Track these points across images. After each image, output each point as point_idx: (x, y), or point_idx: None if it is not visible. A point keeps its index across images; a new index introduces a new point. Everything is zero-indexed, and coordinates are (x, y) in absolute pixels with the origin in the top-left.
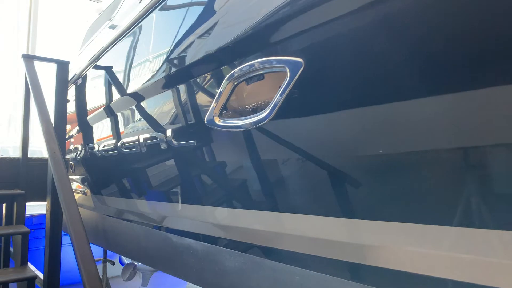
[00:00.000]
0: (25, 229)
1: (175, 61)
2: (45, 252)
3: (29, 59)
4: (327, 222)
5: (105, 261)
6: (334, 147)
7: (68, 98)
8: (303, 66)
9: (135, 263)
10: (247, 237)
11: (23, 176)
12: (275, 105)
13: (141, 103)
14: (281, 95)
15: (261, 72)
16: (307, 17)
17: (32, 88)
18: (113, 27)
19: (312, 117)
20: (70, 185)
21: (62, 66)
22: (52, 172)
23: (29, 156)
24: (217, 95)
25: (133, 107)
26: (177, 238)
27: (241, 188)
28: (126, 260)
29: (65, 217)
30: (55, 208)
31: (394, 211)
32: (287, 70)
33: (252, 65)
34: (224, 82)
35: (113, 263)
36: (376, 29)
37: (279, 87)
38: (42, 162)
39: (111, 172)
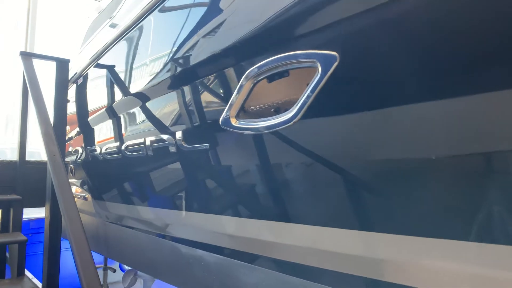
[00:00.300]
0: (22, 237)
1: (185, 58)
2: (43, 263)
3: (27, 56)
4: (377, 238)
5: (105, 268)
6: (374, 150)
7: (68, 98)
8: (337, 61)
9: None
10: (273, 252)
11: (20, 180)
12: (303, 105)
13: (148, 104)
14: (310, 93)
15: (285, 68)
16: (345, 4)
17: (30, 87)
18: (114, 25)
19: (351, 118)
20: (71, 191)
21: (62, 65)
22: (52, 176)
23: (27, 159)
24: (234, 94)
25: (139, 108)
26: (188, 249)
27: (258, 195)
28: (127, 267)
29: (66, 225)
30: (54, 216)
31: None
32: (318, 65)
33: (276, 60)
34: (243, 79)
35: (114, 270)
36: (438, 11)
37: (307, 84)
38: (40, 165)
39: (114, 177)
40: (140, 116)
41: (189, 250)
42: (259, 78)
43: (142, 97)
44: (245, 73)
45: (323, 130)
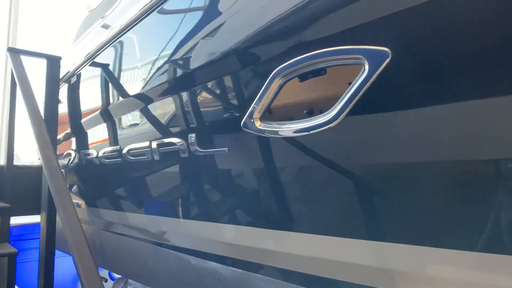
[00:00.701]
0: (11, 249)
1: (199, 53)
2: (39, 276)
3: (15, 53)
4: (440, 255)
5: None
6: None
7: (59, 98)
8: (389, 57)
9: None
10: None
11: (8, 186)
12: (345, 106)
13: (154, 104)
14: (354, 93)
15: (323, 65)
16: None
17: (20, 86)
18: (108, 25)
19: (405, 120)
20: (71, 200)
21: (53, 62)
22: (49, 184)
23: (15, 163)
24: (259, 93)
25: (145, 109)
26: (198, 260)
27: (287, 204)
28: (116, 275)
29: (67, 237)
30: (50, 226)
31: None
32: (366, 62)
33: (311, 57)
34: (270, 78)
35: (106, 280)
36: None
37: (349, 83)
38: (30, 170)
39: (113, 183)
40: (146, 118)
41: (200, 262)
42: (290, 77)
43: (149, 98)
44: (273, 70)
45: (371, 133)
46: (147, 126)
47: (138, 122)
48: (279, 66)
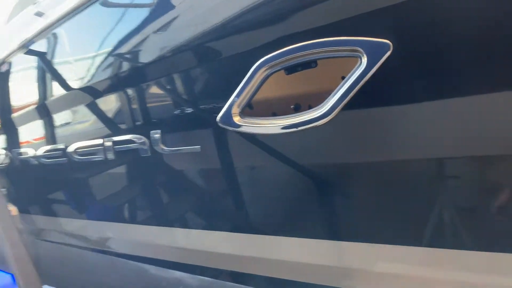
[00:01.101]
0: None
1: (167, 37)
2: None
3: None
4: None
5: None
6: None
7: None
8: (391, 50)
9: None
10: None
11: None
12: (339, 101)
13: (110, 96)
14: (349, 88)
15: (315, 57)
16: None
17: None
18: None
19: (403, 118)
20: (8, 210)
21: None
22: None
23: None
24: (240, 86)
25: (96, 101)
26: (157, 269)
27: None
28: None
29: (7, 253)
30: None
31: None
32: (363, 55)
33: (302, 48)
34: (254, 69)
35: None
36: None
37: (343, 77)
38: None
39: (55, 185)
40: (99, 112)
41: (159, 271)
42: (277, 68)
43: (103, 90)
44: (257, 60)
45: (366, 131)
46: (101, 121)
47: (88, 117)
48: (264, 56)
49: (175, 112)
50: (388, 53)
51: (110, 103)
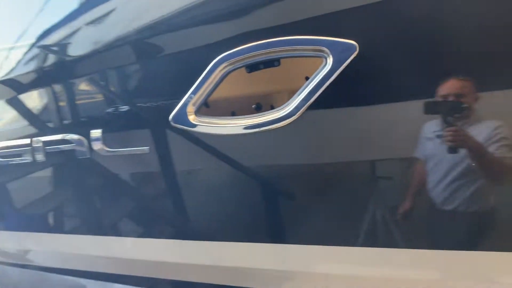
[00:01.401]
0: None
1: (109, 26)
2: None
3: None
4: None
5: None
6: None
7: None
8: (357, 51)
9: None
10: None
11: None
12: (304, 102)
13: (40, 90)
14: (314, 89)
15: (278, 56)
16: None
17: None
18: None
19: (366, 119)
20: None
21: None
22: None
23: None
24: (197, 83)
25: (22, 96)
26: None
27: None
28: None
29: None
30: None
31: None
32: (329, 55)
33: (265, 45)
34: (212, 65)
35: None
36: None
37: (307, 78)
38: None
39: None
40: (26, 108)
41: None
42: (237, 66)
43: (32, 82)
44: (216, 56)
45: (329, 131)
46: (30, 119)
47: (13, 113)
48: (224, 52)
49: (120, 110)
50: (354, 54)
51: (41, 98)
